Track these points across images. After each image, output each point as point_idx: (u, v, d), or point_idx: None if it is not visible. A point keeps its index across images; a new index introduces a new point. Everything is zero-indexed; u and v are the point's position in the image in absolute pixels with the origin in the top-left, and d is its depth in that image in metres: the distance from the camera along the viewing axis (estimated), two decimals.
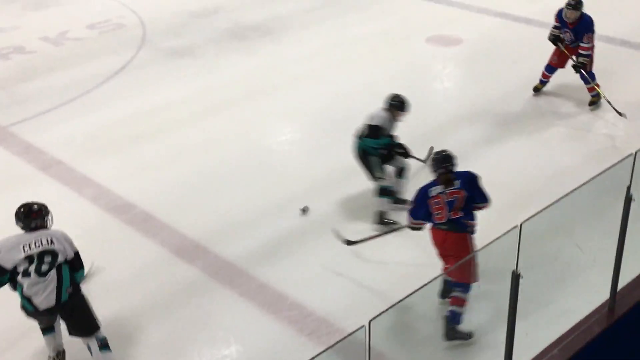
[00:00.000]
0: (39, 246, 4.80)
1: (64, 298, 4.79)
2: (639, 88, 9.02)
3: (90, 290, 5.37)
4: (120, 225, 6.71)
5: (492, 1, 11.72)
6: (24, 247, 4.78)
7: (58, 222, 5.12)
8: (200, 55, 10.36)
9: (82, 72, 9.93)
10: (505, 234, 3.80)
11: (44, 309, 4.76)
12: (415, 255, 5.94)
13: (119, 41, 10.89)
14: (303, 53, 10.30)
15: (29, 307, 4.78)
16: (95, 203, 7.09)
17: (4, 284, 4.83)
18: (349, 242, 6.10)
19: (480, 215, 5.21)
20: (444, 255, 5.24)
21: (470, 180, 5.20)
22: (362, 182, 6.71)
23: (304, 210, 6.75)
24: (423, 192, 5.22)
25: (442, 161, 5.20)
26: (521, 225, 3.78)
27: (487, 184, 5.29)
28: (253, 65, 10.04)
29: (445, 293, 5.26)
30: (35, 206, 5.00)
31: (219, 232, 6.55)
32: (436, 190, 5.16)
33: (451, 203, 5.09)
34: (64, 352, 5.22)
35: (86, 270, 5.16)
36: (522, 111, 8.60)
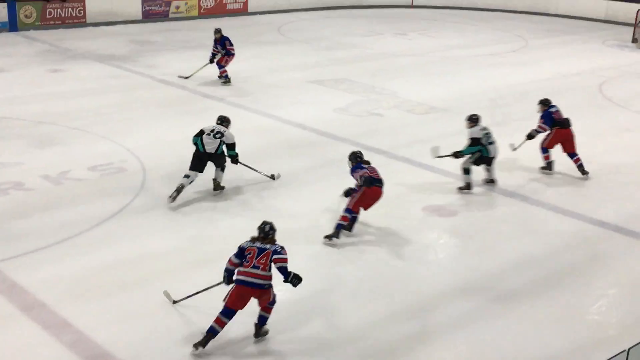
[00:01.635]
0: None
1: None
2: (632, 275, 9.14)
3: None
4: None
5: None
6: None
7: None
8: (197, 206, 10.55)
9: (77, 213, 10.08)
10: None
11: None
12: None
13: (118, 185, 11.12)
14: (299, 207, 10.49)
15: None
16: (73, 350, 6.98)
17: None
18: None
19: None
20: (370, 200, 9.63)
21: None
22: None
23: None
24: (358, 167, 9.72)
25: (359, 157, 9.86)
26: None
27: None
28: (250, 217, 10.18)
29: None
30: None
31: None
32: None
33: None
34: None
35: None
36: (515, 288, 8.67)
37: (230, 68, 17.03)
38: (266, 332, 7.41)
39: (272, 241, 7.17)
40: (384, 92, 16.95)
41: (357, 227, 9.94)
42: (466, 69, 19.74)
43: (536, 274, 9.02)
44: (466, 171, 11.35)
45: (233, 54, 16.96)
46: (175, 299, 7.84)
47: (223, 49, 16.92)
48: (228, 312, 7.04)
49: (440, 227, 10.30)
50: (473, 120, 11.44)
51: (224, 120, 10.98)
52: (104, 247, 9.17)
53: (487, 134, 11.30)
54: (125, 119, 14.35)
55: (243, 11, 26.85)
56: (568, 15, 28.81)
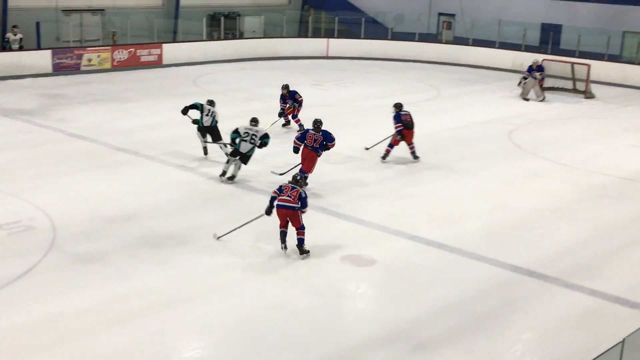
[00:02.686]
0: None
1: None
2: (545, 318, 9.43)
3: None
4: None
5: (406, 224, 12.32)
6: None
7: None
8: (111, 262, 10.35)
9: None
10: None
11: None
12: None
13: (26, 244, 10.81)
14: (216, 263, 10.44)
15: None
16: None
17: None
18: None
19: None
20: (303, 161, 13.59)
21: (325, 134, 13.57)
22: None
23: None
24: (305, 131, 13.78)
25: (317, 123, 13.53)
26: None
27: None
28: (166, 274, 10.08)
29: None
30: None
31: None
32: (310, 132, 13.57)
33: (316, 140, 13.49)
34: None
35: None
36: (435, 335, 8.80)
37: (144, 121, 16.90)
38: (307, 252, 10.73)
39: (300, 185, 10.88)
40: None
41: (274, 278, 9.98)
42: (381, 118, 20.18)
43: (454, 321, 9.20)
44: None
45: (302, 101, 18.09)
46: (219, 235, 11.07)
47: (295, 101, 17.90)
48: (281, 232, 10.75)
49: (359, 277, 10.40)
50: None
51: (254, 120, 14.06)
52: (11, 310, 8.86)
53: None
54: (34, 174, 14.02)
55: (157, 63, 26.79)
56: (478, 65, 29.95)
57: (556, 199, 14.04)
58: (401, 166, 15.52)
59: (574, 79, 25.13)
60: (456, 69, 29.81)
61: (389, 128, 15.81)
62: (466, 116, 20.89)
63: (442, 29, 34.30)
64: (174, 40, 29.00)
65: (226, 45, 29.38)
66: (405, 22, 32.96)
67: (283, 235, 10.80)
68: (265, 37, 31.67)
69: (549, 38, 29.65)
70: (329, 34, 32.00)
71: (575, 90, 24.89)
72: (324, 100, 22.24)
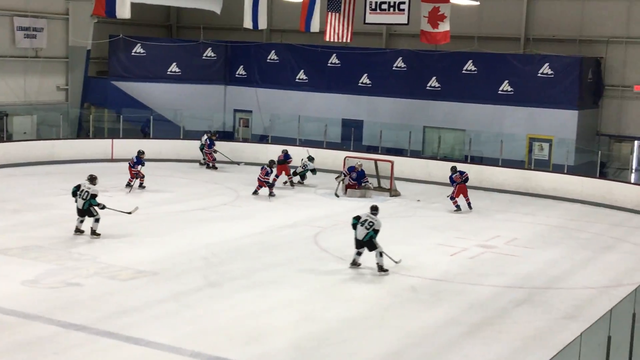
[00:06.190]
0: None
1: None
2: None
3: None
4: None
5: (205, 343, 12.17)
6: None
7: None
8: None
9: None
10: None
11: None
12: None
13: None
14: None
15: None
16: None
17: None
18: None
19: None
20: None
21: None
22: None
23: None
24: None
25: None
26: None
27: None
28: None
29: None
30: None
31: None
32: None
33: None
34: None
35: None
36: None
37: None
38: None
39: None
40: (83, 258, 16.58)
41: None
42: (176, 226, 20.10)
43: None
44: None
45: None
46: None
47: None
48: None
49: None
50: None
51: (374, 209, 16.79)
52: None
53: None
54: None
55: None
56: None
57: (366, 305, 14.54)
58: (199, 280, 15.43)
59: (378, 176, 26.59)
60: (256, 169, 30.28)
61: (187, 237, 15.72)
62: (269, 220, 21.31)
63: (240, 126, 35.17)
64: None
65: None
66: (198, 119, 33.45)
67: None
68: (38, 138, 30.77)
69: (351, 134, 31.32)
70: (113, 134, 31.72)
71: (380, 188, 26.28)
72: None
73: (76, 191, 18.55)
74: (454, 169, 24.33)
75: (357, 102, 32.92)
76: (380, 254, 16.38)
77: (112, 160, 30.25)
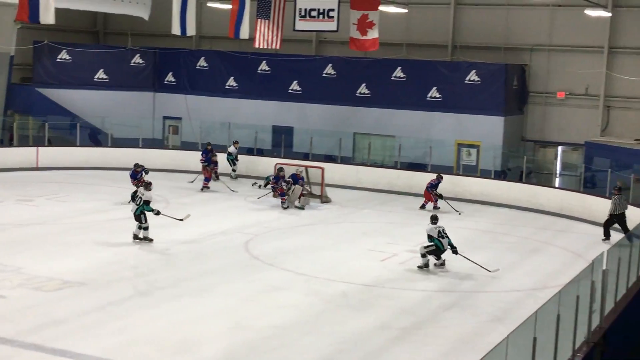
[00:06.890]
0: None
1: None
2: None
3: None
4: None
5: (134, 355, 12.04)
6: None
7: None
8: None
9: None
10: None
11: None
12: None
13: None
14: None
15: None
16: None
17: None
18: None
19: None
20: None
21: None
22: None
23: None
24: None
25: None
26: None
27: None
28: None
29: None
30: None
31: None
32: None
33: None
34: None
35: None
36: None
37: None
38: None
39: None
40: (6, 270, 16.18)
41: None
42: (103, 235, 19.79)
43: None
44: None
45: None
46: None
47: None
48: None
49: None
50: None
51: (434, 219, 17.81)
52: None
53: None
54: None
55: None
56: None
57: (297, 312, 14.57)
58: (128, 290, 15.23)
59: (309, 183, 26.67)
60: (185, 176, 30.00)
61: (115, 246, 15.54)
62: (199, 228, 21.15)
63: (169, 134, 34.87)
64: None
65: None
66: (127, 126, 33.01)
67: None
68: None
69: (282, 140, 31.35)
70: (39, 142, 31.05)
71: (311, 195, 26.36)
72: (36, 219, 21.34)
73: (134, 196, 19.12)
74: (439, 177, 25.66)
75: (288, 109, 33.00)
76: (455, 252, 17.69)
77: (37, 168, 29.62)
